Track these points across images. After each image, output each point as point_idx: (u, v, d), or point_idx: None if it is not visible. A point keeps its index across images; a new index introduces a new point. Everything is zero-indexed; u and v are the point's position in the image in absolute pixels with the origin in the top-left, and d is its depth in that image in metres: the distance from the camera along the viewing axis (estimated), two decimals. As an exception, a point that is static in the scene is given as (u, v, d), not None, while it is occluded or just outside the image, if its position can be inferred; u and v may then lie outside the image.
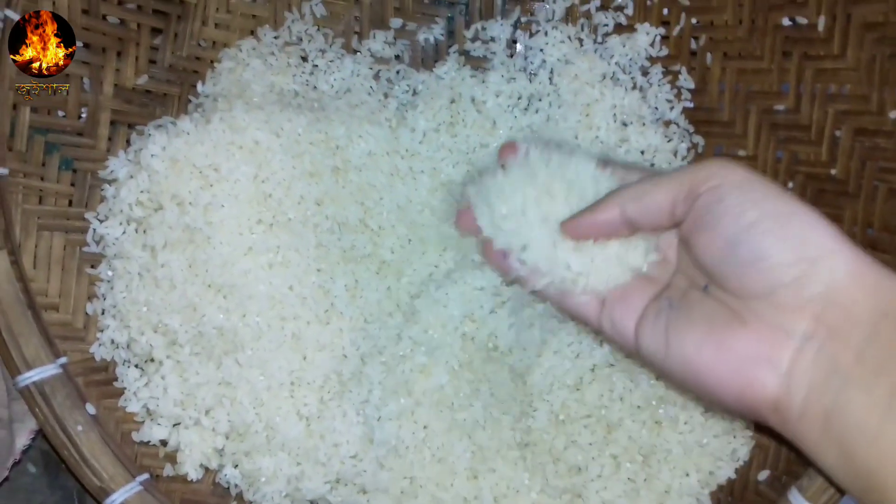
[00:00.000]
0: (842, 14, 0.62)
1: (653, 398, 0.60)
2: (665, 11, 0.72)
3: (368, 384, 0.62)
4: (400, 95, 0.73)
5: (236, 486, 0.62)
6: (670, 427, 0.59)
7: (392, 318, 0.65)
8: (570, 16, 0.75)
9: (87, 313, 0.62)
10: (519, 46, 0.75)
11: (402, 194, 0.68)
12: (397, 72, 0.74)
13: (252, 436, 0.61)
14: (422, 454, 0.61)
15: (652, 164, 0.70)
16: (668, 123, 0.72)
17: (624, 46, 0.73)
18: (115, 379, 0.62)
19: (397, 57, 0.75)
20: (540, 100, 0.72)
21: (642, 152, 0.71)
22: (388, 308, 0.65)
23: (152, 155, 0.63)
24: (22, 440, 0.67)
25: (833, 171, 0.63)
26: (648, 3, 0.73)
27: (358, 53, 0.74)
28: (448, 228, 0.66)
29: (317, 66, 0.73)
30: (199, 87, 0.70)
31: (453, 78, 0.73)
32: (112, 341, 0.62)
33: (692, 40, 0.71)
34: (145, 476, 0.58)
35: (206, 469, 0.62)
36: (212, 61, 0.71)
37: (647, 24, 0.73)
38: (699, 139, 0.72)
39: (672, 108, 0.72)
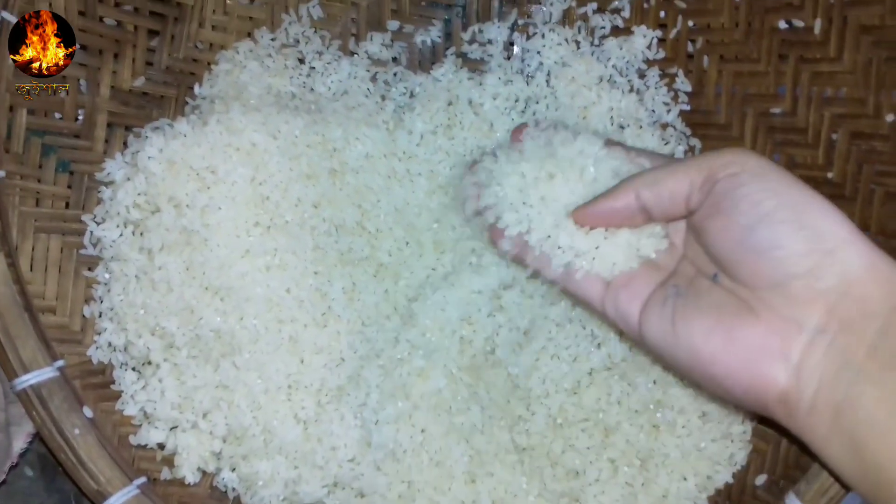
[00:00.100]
0: (838, 17, 0.62)
1: (650, 402, 0.60)
2: (662, 14, 0.72)
3: (366, 387, 0.62)
4: (397, 98, 0.73)
5: (234, 489, 0.62)
6: (668, 431, 0.59)
7: (389, 321, 0.65)
8: (566, 18, 0.75)
9: (84, 316, 0.62)
10: (516, 49, 0.75)
11: (399, 197, 0.68)
12: (394, 74, 0.74)
13: (249, 439, 0.61)
14: (419, 458, 0.61)
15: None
16: (664, 126, 0.72)
17: (621, 49, 0.73)
18: (113, 382, 0.62)
19: (394, 59, 0.75)
20: (537, 102, 0.72)
21: (639, 155, 0.71)
22: (386, 311, 0.65)
23: (149, 157, 0.62)
24: (19, 443, 0.66)
25: (830, 175, 0.63)
26: (645, 5, 0.73)
27: (355, 55, 0.74)
28: (445, 231, 0.67)
29: (314, 68, 0.73)
30: (196, 89, 0.70)
31: (450, 80, 0.73)
32: (109, 344, 0.62)
33: (689, 43, 0.71)
34: (142, 479, 0.58)
35: (204, 472, 0.62)
36: (209, 63, 0.71)
37: (643, 27, 0.73)
38: (696, 142, 0.72)
39: (669, 111, 0.72)
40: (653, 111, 0.72)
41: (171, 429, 0.62)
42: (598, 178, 0.55)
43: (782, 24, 0.65)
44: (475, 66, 0.75)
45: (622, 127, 0.71)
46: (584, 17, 0.74)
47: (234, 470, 0.62)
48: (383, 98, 0.73)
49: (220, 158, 0.63)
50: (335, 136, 0.67)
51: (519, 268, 0.64)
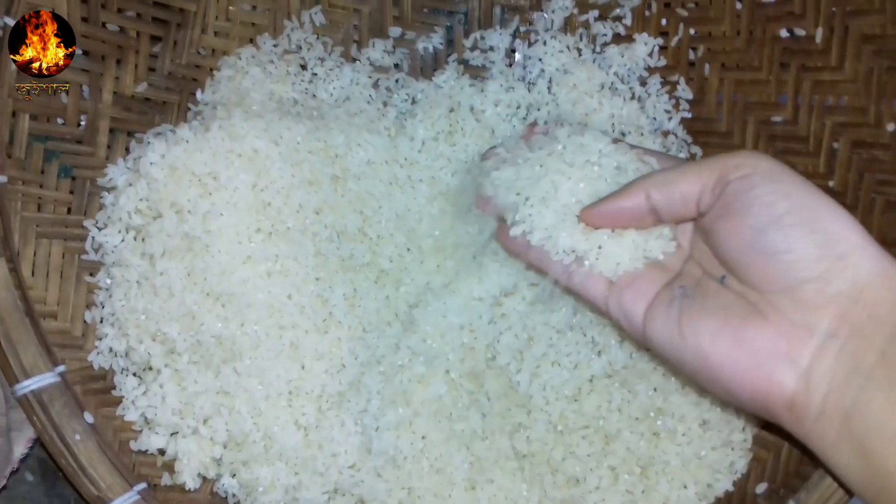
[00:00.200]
0: (840, 26, 0.62)
1: (651, 410, 0.60)
2: (663, 22, 0.72)
3: (367, 394, 0.62)
4: (399, 104, 0.73)
5: (234, 495, 0.62)
6: (668, 439, 0.59)
7: (390, 327, 0.65)
8: (568, 26, 0.75)
9: (85, 321, 0.62)
10: (518, 56, 0.75)
11: (400, 203, 0.68)
12: (396, 80, 0.74)
13: (250, 445, 0.61)
14: (420, 465, 0.61)
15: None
16: (666, 134, 0.72)
17: (622, 56, 0.73)
18: (114, 387, 0.62)
19: (396, 66, 0.75)
20: (538, 109, 0.72)
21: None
22: (387, 317, 0.65)
23: (151, 163, 0.62)
24: (20, 449, 0.66)
25: (831, 184, 0.63)
26: (647, 13, 0.73)
27: (357, 62, 0.74)
28: (446, 238, 0.67)
29: (316, 74, 0.73)
30: (199, 94, 0.70)
31: (452, 87, 0.73)
32: (110, 349, 0.62)
33: (690, 51, 0.71)
34: (143, 485, 0.58)
35: (204, 478, 0.62)
36: (211, 69, 0.71)
37: (645, 35, 0.73)
38: (697, 150, 0.72)
39: (670, 119, 0.72)
40: (654, 119, 0.72)
41: (172, 434, 0.62)
42: (605, 176, 0.56)
43: (784, 33, 0.65)
44: (477, 73, 0.75)
45: (623, 134, 0.71)
46: (586, 25, 0.74)
47: (234, 476, 0.62)
48: (385, 104, 0.73)
49: (222, 164, 0.63)
50: (337, 142, 0.67)
51: (520, 275, 0.64)
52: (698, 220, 0.52)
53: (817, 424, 0.45)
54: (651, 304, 0.53)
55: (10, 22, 0.59)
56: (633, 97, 0.73)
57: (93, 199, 0.64)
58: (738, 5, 0.68)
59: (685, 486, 0.59)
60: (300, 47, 0.73)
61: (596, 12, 0.74)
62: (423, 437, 0.61)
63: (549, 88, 0.73)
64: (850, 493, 0.51)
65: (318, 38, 0.74)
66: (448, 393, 0.62)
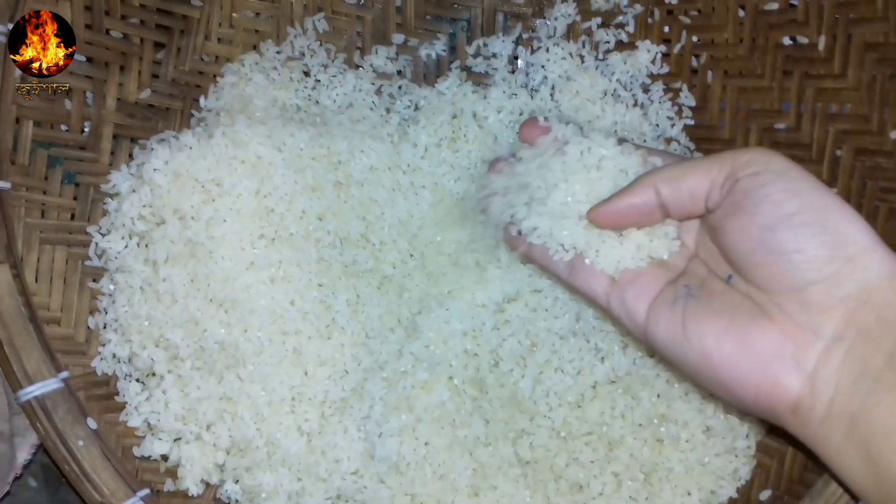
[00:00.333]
0: (842, 34, 0.62)
1: (654, 416, 0.60)
2: (666, 29, 0.72)
3: (370, 400, 0.62)
4: (402, 111, 0.73)
5: (237, 501, 0.62)
6: (672, 445, 0.59)
7: (393, 333, 0.65)
8: (571, 33, 0.75)
9: (88, 327, 0.62)
10: (520, 62, 0.76)
11: (403, 209, 0.68)
12: (399, 87, 0.74)
13: (253, 451, 0.61)
14: (423, 471, 0.61)
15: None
16: (668, 141, 0.72)
17: (625, 63, 0.73)
18: (117, 393, 0.62)
19: (399, 72, 0.75)
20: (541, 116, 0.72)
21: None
22: (390, 323, 0.65)
23: (155, 169, 0.63)
24: (23, 454, 0.66)
25: (834, 191, 0.62)
26: (649, 20, 0.73)
27: (360, 69, 0.74)
28: (449, 244, 0.67)
29: (319, 81, 0.73)
30: (202, 101, 0.70)
31: (455, 93, 0.73)
32: (113, 355, 0.62)
33: (693, 58, 0.71)
34: (146, 491, 0.58)
35: (207, 484, 0.62)
36: (214, 76, 0.71)
37: (648, 42, 0.73)
38: (700, 157, 0.72)
39: (673, 126, 0.72)
40: (657, 125, 0.72)
41: (175, 440, 0.62)
42: (609, 175, 0.56)
43: (786, 41, 0.65)
44: (480, 80, 0.75)
45: (626, 141, 0.71)
46: (589, 32, 0.74)
47: (237, 482, 0.62)
48: (388, 111, 0.73)
49: (226, 171, 0.63)
50: (340, 148, 0.67)
51: (523, 281, 0.64)
52: (706, 217, 0.52)
53: (822, 428, 0.45)
54: (654, 302, 0.52)
55: (14, 29, 0.59)
56: (635, 104, 0.73)
57: (96, 205, 0.64)
58: (741, 13, 0.68)
59: (689, 493, 0.59)
60: (303, 54, 0.73)
61: (599, 19, 0.74)
62: (426, 444, 0.61)
63: (551, 95, 0.73)
64: (855, 498, 0.51)
65: (321, 44, 0.74)
66: (451, 399, 0.62)
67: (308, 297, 0.63)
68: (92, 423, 0.57)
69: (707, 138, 0.71)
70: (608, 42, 0.74)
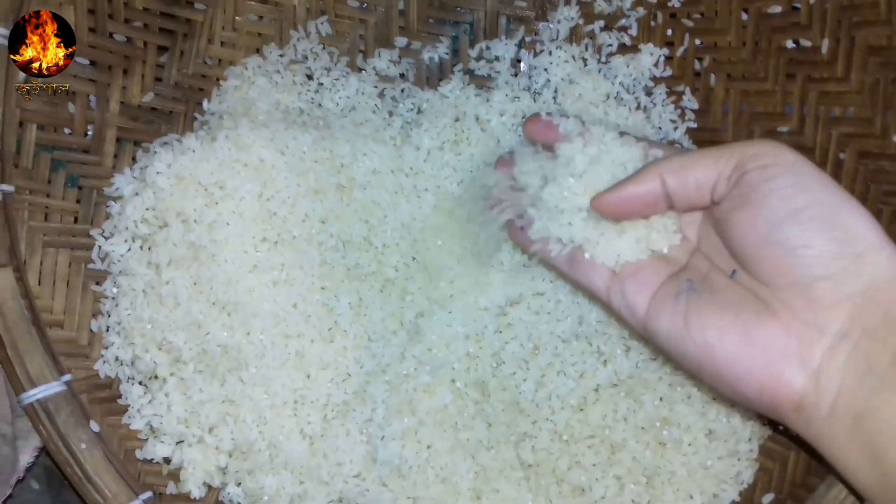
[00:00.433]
0: (845, 37, 0.62)
1: (657, 419, 0.60)
2: (669, 32, 0.72)
3: (372, 403, 0.62)
4: (404, 114, 0.73)
5: (239, 504, 0.62)
6: (674, 449, 0.59)
7: (396, 336, 0.65)
8: (574, 36, 0.75)
9: (91, 330, 0.62)
10: (523, 66, 0.76)
11: (406, 212, 0.68)
12: (402, 90, 0.74)
13: (255, 454, 0.61)
14: (425, 474, 0.61)
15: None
16: (671, 143, 0.72)
17: (628, 66, 0.73)
18: (119, 396, 0.62)
19: (402, 75, 0.75)
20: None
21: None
22: (392, 326, 0.65)
23: (158, 172, 0.63)
24: (26, 457, 0.67)
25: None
26: (652, 23, 0.73)
27: (363, 72, 0.74)
28: (452, 247, 0.67)
29: (322, 84, 0.73)
30: (205, 104, 0.70)
31: (458, 96, 0.73)
32: (116, 358, 0.62)
33: (696, 61, 0.71)
34: (148, 494, 0.58)
35: (210, 487, 0.62)
36: (217, 79, 0.71)
37: (650, 45, 0.73)
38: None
39: (676, 129, 0.72)
40: (660, 128, 0.72)
41: (178, 443, 0.62)
42: (611, 169, 0.56)
43: (790, 44, 0.65)
44: (482, 83, 0.75)
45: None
46: (592, 35, 0.74)
47: (239, 485, 0.62)
48: (391, 114, 0.73)
49: (229, 174, 0.63)
50: (343, 151, 0.67)
51: (525, 284, 0.64)
52: (711, 210, 0.51)
53: (826, 426, 0.44)
54: (655, 296, 0.52)
55: (16, 33, 0.59)
56: (638, 107, 0.73)
57: (99, 208, 0.64)
58: (744, 16, 0.68)
59: (691, 497, 0.59)
60: (306, 57, 0.73)
61: (601, 23, 0.74)
62: (428, 447, 0.61)
63: (554, 98, 0.73)
64: (860, 498, 0.50)
65: (324, 47, 0.74)
66: (453, 402, 0.62)
67: (310, 300, 0.63)
68: (94, 426, 0.58)
69: (710, 141, 0.71)
70: (611, 45, 0.74)
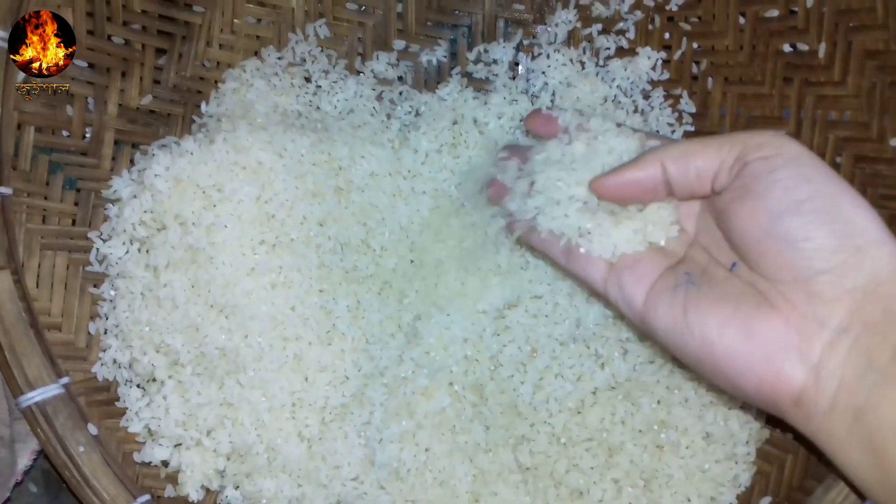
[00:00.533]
0: (843, 41, 0.62)
1: (654, 422, 0.60)
2: (666, 36, 0.73)
3: (370, 406, 0.62)
4: (402, 116, 0.74)
5: (237, 507, 0.62)
6: (672, 452, 0.59)
7: (394, 339, 0.65)
8: (571, 39, 0.75)
9: (89, 333, 0.62)
10: (521, 69, 0.76)
11: (404, 215, 0.68)
12: (400, 93, 0.75)
13: (253, 457, 0.61)
14: (423, 477, 0.61)
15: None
16: (669, 146, 0.72)
17: (625, 70, 0.73)
18: (117, 399, 0.62)
19: (400, 78, 0.75)
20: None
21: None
22: (390, 329, 0.65)
23: (156, 175, 0.63)
24: (24, 460, 0.66)
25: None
26: (650, 27, 0.73)
27: (361, 74, 0.75)
28: (450, 250, 0.67)
29: (320, 86, 0.73)
30: (203, 107, 0.70)
31: (456, 99, 0.73)
32: (114, 361, 0.62)
33: (693, 65, 0.72)
34: (146, 497, 0.58)
35: (207, 490, 0.62)
36: (216, 81, 0.71)
37: (648, 48, 0.73)
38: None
39: (673, 132, 0.72)
40: (657, 132, 0.72)
41: (176, 446, 0.62)
42: (608, 160, 0.56)
43: (786, 48, 0.65)
44: (480, 86, 0.75)
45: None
46: (589, 38, 0.75)
47: (237, 488, 0.62)
48: (389, 117, 0.73)
49: (227, 176, 0.63)
50: (341, 154, 0.67)
51: (523, 287, 0.64)
52: (712, 200, 0.51)
53: (826, 421, 0.44)
54: (652, 289, 0.52)
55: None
56: (636, 110, 0.73)
57: (97, 210, 0.64)
58: (742, 20, 0.68)
59: (688, 500, 0.59)
60: (304, 60, 0.73)
61: (599, 26, 0.74)
62: (426, 450, 0.61)
63: (552, 101, 0.73)
64: (860, 495, 0.50)
65: (322, 50, 0.74)
66: (451, 405, 0.62)
67: (308, 302, 0.63)
68: (92, 429, 0.57)
69: (707, 145, 0.71)
70: (609, 48, 0.74)
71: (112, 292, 0.63)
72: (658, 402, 0.60)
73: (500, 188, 0.63)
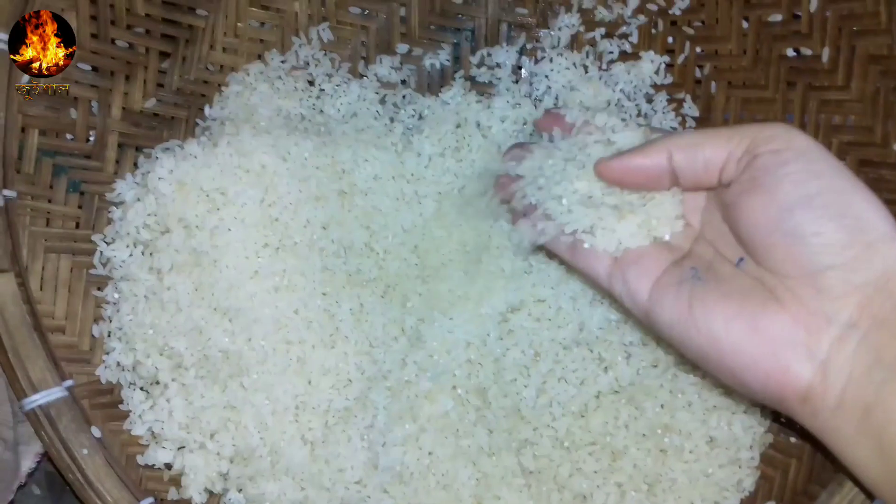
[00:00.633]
0: (846, 46, 0.62)
1: (658, 426, 0.60)
2: (670, 40, 0.73)
3: (373, 409, 0.62)
4: (406, 120, 0.74)
5: (240, 510, 0.62)
6: (675, 456, 0.59)
7: (397, 342, 0.65)
8: (575, 43, 0.75)
9: (93, 335, 0.62)
10: (524, 72, 0.76)
11: (407, 218, 0.68)
12: (403, 97, 0.75)
13: (256, 460, 0.61)
14: (426, 481, 0.60)
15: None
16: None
17: (629, 74, 0.73)
18: (121, 401, 0.62)
19: (403, 82, 0.76)
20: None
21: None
22: (394, 332, 0.65)
23: (159, 178, 0.63)
24: (27, 462, 0.66)
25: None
26: (653, 31, 0.73)
27: (364, 78, 0.75)
28: (453, 253, 0.67)
29: (323, 90, 0.73)
30: (207, 110, 0.70)
31: (459, 103, 0.73)
32: (118, 364, 0.62)
33: (697, 69, 0.72)
34: (150, 500, 0.58)
35: (211, 493, 0.62)
36: (219, 85, 0.72)
37: (651, 53, 0.73)
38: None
39: (676, 136, 0.72)
40: (660, 134, 0.73)
41: (179, 449, 0.62)
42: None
43: (790, 52, 0.65)
44: (483, 90, 0.75)
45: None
46: (593, 42, 0.75)
47: (240, 491, 0.62)
48: (392, 120, 0.74)
49: (230, 180, 0.63)
50: (344, 157, 0.67)
51: (526, 291, 0.64)
52: (719, 193, 0.51)
53: (834, 418, 0.43)
54: (657, 283, 0.52)
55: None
56: (639, 114, 0.73)
57: (101, 213, 0.65)
58: (745, 24, 0.68)
59: (692, 504, 0.59)
60: (308, 63, 0.74)
61: (602, 30, 0.74)
62: (429, 453, 0.61)
63: (555, 105, 0.73)
64: (869, 495, 0.50)
65: (325, 54, 0.74)
66: (454, 409, 0.62)
67: (312, 305, 0.63)
68: (96, 432, 0.58)
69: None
70: (612, 52, 0.74)
71: (116, 295, 0.63)
72: (662, 406, 0.60)
73: (506, 181, 0.63)
